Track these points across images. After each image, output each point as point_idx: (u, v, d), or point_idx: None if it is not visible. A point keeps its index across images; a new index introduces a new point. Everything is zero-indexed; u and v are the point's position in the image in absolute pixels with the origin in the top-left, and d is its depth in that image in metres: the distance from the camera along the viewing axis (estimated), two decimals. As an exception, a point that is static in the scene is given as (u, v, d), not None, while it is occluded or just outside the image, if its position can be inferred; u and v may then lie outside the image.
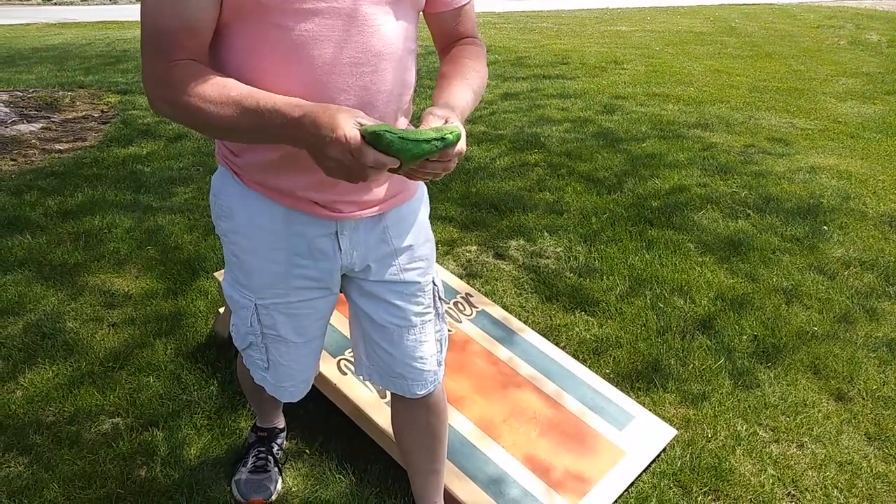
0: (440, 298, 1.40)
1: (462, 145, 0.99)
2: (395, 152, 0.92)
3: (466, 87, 1.14)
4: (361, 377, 1.44)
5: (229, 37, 1.04)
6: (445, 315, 1.45)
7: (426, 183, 1.42)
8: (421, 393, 1.39)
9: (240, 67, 1.05)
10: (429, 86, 5.86)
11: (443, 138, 0.94)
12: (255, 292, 1.28)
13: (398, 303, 1.32)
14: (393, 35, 1.09)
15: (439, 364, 1.42)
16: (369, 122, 0.93)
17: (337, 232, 1.23)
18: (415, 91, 1.25)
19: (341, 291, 1.36)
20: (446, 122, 1.01)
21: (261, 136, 1.00)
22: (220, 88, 0.98)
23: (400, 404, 1.49)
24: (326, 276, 1.28)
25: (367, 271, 1.30)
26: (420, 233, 1.34)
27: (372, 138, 0.91)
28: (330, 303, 1.34)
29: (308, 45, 1.02)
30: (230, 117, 0.98)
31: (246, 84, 1.01)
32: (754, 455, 1.93)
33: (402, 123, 1.22)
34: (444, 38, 1.25)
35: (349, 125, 0.91)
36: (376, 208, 1.24)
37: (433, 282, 1.37)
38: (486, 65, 1.23)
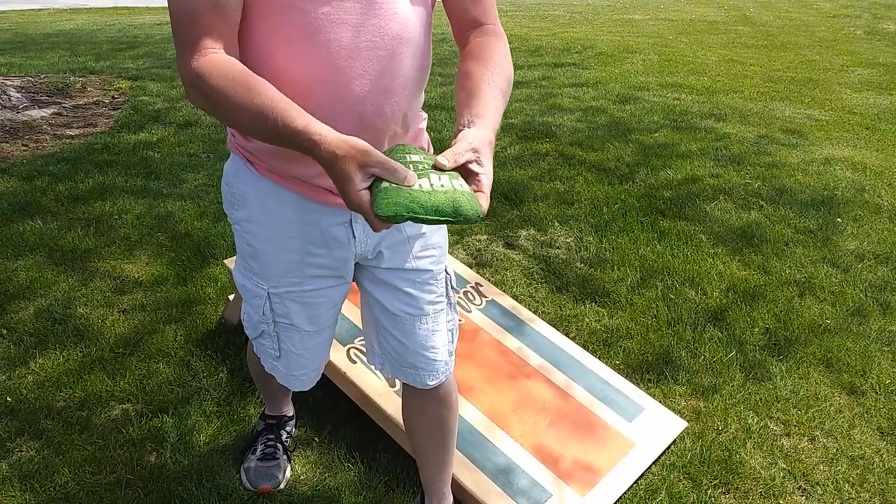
0: (452, 288, 1.39)
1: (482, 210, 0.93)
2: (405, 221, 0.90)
3: (496, 92, 1.06)
4: (373, 366, 1.43)
5: (251, 20, 1.02)
6: (457, 305, 1.43)
7: None
8: (432, 383, 1.38)
9: (259, 50, 1.03)
10: (439, 73, 5.82)
11: (457, 216, 0.88)
12: (268, 281, 1.27)
13: (411, 291, 1.31)
14: (410, 18, 1.07)
15: (450, 354, 1.41)
16: (379, 160, 0.89)
17: (351, 220, 1.22)
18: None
19: (353, 280, 1.35)
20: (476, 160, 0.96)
21: (281, 146, 0.98)
22: (245, 91, 0.95)
23: (411, 395, 1.48)
24: (340, 265, 1.27)
25: (379, 258, 1.29)
26: None
27: (380, 218, 0.88)
28: (343, 291, 1.33)
29: (325, 28, 1.01)
30: (253, 124, 0.96)
31: (266, 68, 1.00)
32: (765, 448, 1.91)
33: (420, 100, 1.18)
34: (463, 25, 1.19)
35: (356, 188, 0.89)
36: None
37: (446, 270, 1.36)
38: (510, 58, 1.15)
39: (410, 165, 0.92)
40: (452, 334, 1.41)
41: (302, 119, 0.92)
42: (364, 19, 1.03)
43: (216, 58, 0.98)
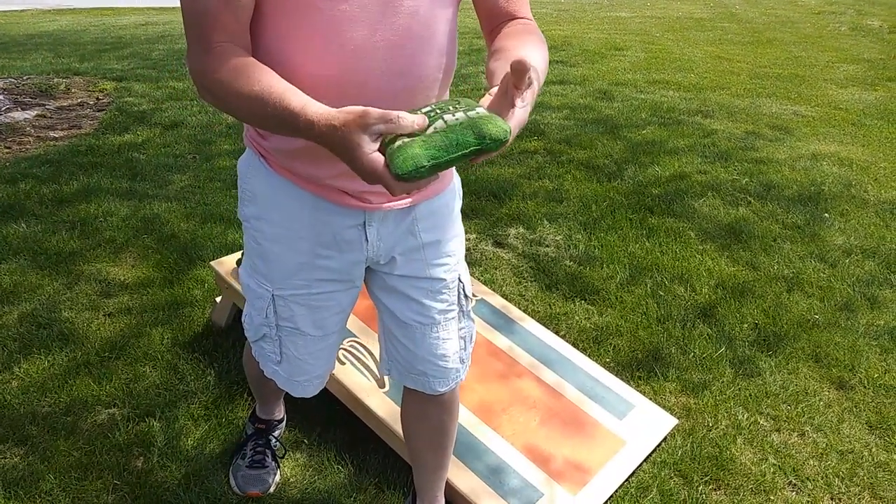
0: (465, 296, 1.34)
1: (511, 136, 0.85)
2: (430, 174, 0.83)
3: (535, 64, 0.93)
4: (384, 371, 1.40)
5: (263, 17, 1.00)
6: (471, 312, 1.38)
7: (458, 171, 1.34)
8: (442, 389, 1.35)
9: (273, 48, 1.01)
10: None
11: (483, 140, 0.82)
12: (274, 282, 1.24)
13: (421, 299, 1.27)
14: (432, 18, 1.04)
15: (462, 361, 1.37)
16: (380, 114, 0.82)
17: (365, 223, 1.19)
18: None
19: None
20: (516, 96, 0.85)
21: (287, 133, 0.95)
22: (247, 79, 0.92)
23: (413, 400, 1.44)
24: (350, 269, 1.23)
25: (391, 264, 1.26)
26: (450, 227, 1.29)
27: (402, 178, 0.81)
28: (352, 296, 1.30)
29: (340, 26, 0.98)
30: (255, 112, 0.93)
31: (280, 65, 0.97)
32: (755, 444, 1.92)
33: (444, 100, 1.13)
34: (493, 18, 1.11)
35: (365, 152, 0.82)
36: (408, 200, 1.19)
37: (459, 279, 1.32)
38: (547, 52, 1.05)
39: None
40: (465, 341, 1.37)
41: (299, 100, 0.89)
42: (382, 17, 0.99)
43: (222, 51, 0.95)
